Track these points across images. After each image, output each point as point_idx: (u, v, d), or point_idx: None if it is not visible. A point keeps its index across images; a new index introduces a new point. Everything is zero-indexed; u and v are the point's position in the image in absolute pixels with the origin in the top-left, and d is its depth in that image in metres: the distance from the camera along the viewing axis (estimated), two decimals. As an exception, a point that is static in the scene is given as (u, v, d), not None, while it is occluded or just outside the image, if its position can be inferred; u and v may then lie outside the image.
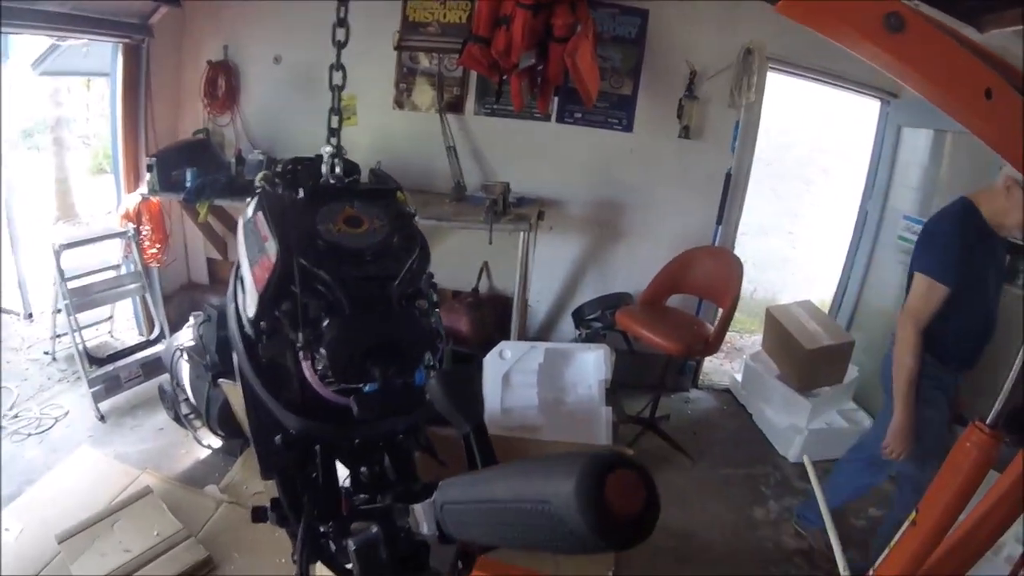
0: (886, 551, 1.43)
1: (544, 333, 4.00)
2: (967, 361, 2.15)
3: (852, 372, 3.40)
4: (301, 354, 0.81)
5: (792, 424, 3.23)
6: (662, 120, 3.50)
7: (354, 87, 3.32)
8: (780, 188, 5.32)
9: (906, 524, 1.36)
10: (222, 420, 2.74)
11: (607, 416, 3.01)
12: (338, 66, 0.93)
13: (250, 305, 0.80)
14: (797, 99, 4.67)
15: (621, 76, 3.42)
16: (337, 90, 0.94)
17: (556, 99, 3.36)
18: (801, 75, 3.61)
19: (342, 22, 0.93)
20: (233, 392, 2.51)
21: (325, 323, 0.78)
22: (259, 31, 3.67)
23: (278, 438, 0.80)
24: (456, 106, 3.45)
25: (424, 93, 3.38)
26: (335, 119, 0.93)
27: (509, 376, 2.95)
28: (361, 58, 2.95)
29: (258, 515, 0.87)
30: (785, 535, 2.69)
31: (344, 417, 0.81)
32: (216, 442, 2.88)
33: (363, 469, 0.87)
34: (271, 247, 0.78)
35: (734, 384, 3.94)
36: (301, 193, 0.85)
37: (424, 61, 3.37)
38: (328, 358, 0.77)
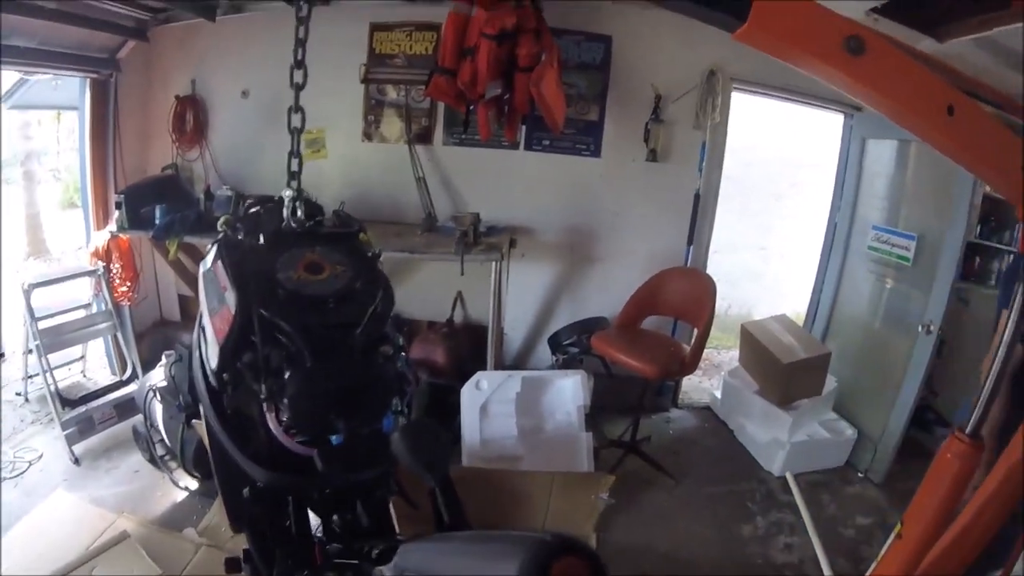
0: (874, 564, 1.43)
1: (521, 361, 3.99)
2: None
3: (830, 383, 3.43)
4: (265, 405, 0.80)
5: (774, 438, 3.25)
6: (629, 144, 3.56)
7: (323, 119, 3.29)
8: (750, 204, 5.42)
9: (892, 536, 1.36)
10: (197, 461, 2.68)
11: (588, 442, 3.00)
12: (296, 108, 0.93)
13: (212, 356, 0.79)
14: (762, 116, 4.77)
15: (587, 102, 3.48)
16: (296, 133, 0.94)
17: (524, 127, 3.40)
18: (764, 93, 3.69)
19: (299, 64, 0.93)
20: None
21: (287, 374, 0.77)
22: (226, 65, 3.68)
23: (246, 491, 0.79)
24: (425, 137, 3.47)
25: (392, 124, 3.40)
26: (295, 162, 0.93)
27: (487, 407, 2.94)
28: (330, 91, 2.98)
29: (232, 566, 0.86)
30: (773, 550, 2.69)
31: (312, 468, 0.80)
32: (193, 484, 2.81)
33: (335, 518, 0.86)
34: (230, 297, 0.77)
35: (714, 401, 3.95)
36: (261, 239, 0.85)
37: (392, 93, 3.40)
38: (290, 411, 0.76)
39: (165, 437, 2.80)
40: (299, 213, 0.92)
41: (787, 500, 3.00)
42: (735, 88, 3.51)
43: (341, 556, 0.82)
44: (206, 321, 0.80)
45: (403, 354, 0.89)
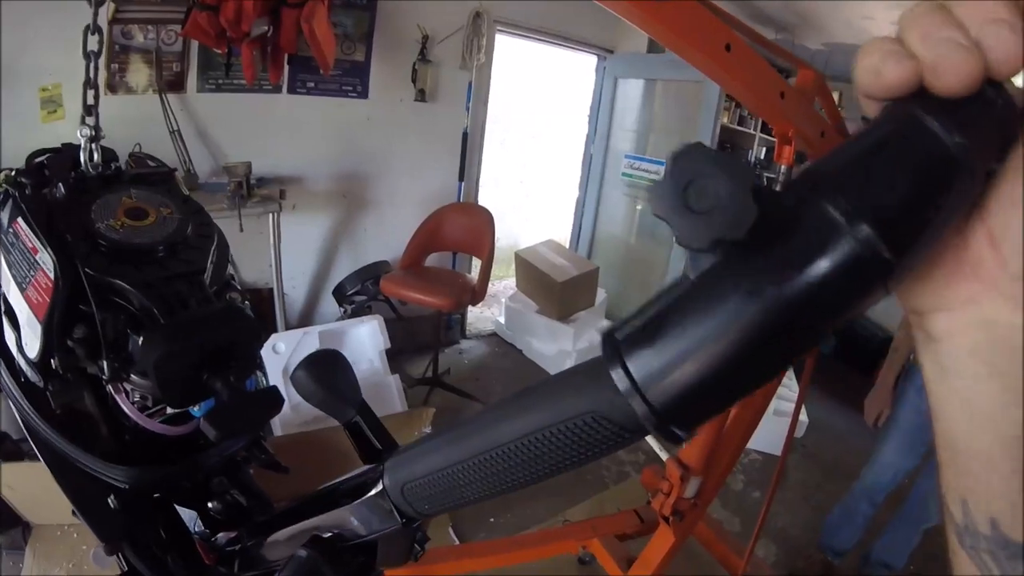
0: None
1: (306, 319, 3.79)
2: None
3: (601, 295, 3.92)
4: (110, 388, 0.67)
5: (560, 349, 3.64)
6: (397, 85, 3.50)
7: (58, 74, 2.66)
8: (509, 141, 5.73)
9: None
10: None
11: (397, 384, 3.02)
12: (93, 28, 0.74)
13: (30, 344, 0.62)
14: (523, 57, 5.01)
15: (353, 42, 3.30)
16: (93, 57, 0.75)
17: (287, 69, 3.10)
18: (526, 36, 3.90)
19: None
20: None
21: (140, 341, 0.63)
22: None
23: (111, 500, 0.65)
24: (177, 84, 2.97)
25: (140, 72, 2.82)
26: (91, 93, 0.74)
27: (289, 369, 2.76)
28: (64, 39, 2.35)
29: None
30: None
31: (180, 450, 0.69)
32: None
33: (212, 504, 0.75)
34: (46, 260, 0.61)
35: (499, 327, 4.24)
36: (61, 189, 0.68)
37: (139, 36, 2.80)
38: (156, 381, 0.62)
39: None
40: (96, 157, 0.75)
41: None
42: (499, 30, 3.66)
43: (230, 544, 0.73)
44: (13, 300, 0.63)
45: (247, 301, 0.79)
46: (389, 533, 0.50)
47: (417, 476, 0.45)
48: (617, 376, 0.25)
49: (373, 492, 0.49)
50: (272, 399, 0.68)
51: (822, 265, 0.21)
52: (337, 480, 0.59)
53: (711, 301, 0.22)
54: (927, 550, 2.31)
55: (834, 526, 2.42)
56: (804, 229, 0.21)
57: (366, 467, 0.55)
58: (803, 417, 3.24)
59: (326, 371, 0.63)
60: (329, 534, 0.56)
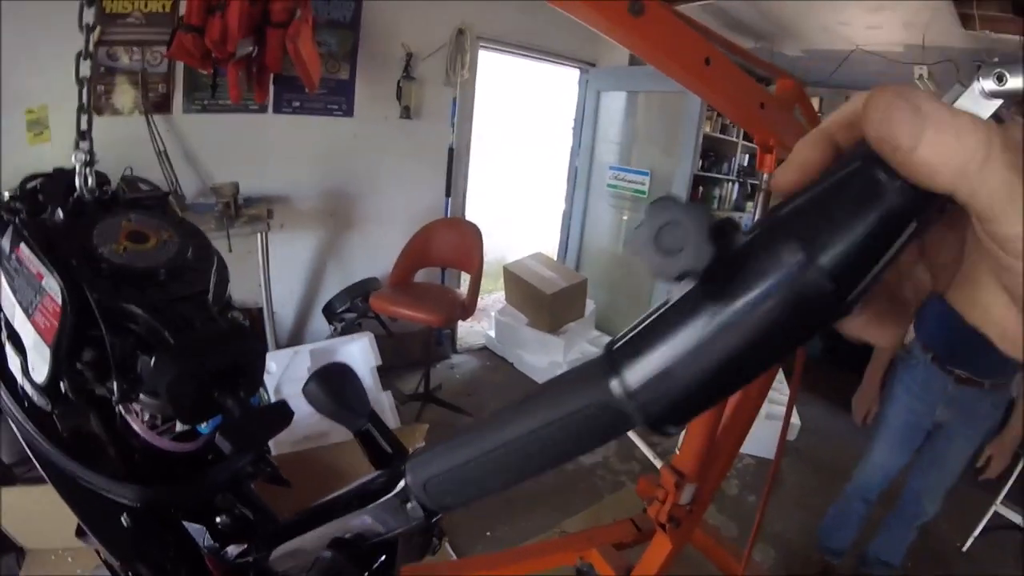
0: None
1: (295, 339, 3.77)
2: (956, 358, 2.03)
3: (590, 306, 3.95)
4: (120, 409, 0.67)
5: (552, 361, 3.65)
6: (382, 102, 3.53)
7: (44, 96, 2.66)
8: (495, 156, 5.78)
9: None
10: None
11: (389, 401, 3.02)
12: (86, 54, 0.75)
13: (38, 368, 0.62)
14: (506, 73, 5.07)
15: (337, 61, 3.33)
16: (85, 83, 0.76)
17: (272, 88, 3.12)
18: (508, 51, 3.96)
19: (91, 2, 0.75)
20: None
21: (151, 362, 0.64)
22: None
23: (124, 518, 0.65)
24: (162, 105, 2.97)
25: (126, 94, 2.82)
26: (84, 119, 0.75)
27: (280, 388, 2.76)
28: (50, 61, 2.36)
29: None
30: (590, 456, 3.00)
31: (188, 466, 0.70)
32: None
33: (220, 518, 0.76)
34: (52, 285, 0.61)
35: (489, 341, 4.25)
36: (60, 214, 0.68)
37: (125, 57, 2.81)
38: (169, 400, 0.64)
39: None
40: (91, 182, 0.76)
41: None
42: (482, 46, 3.71)
43: (239, 557, 0.74)
44: (18, 326, 0.63)
45: (247, 320, 0.80)
46: (411, 528, 0.52)
47: (440, 472, 0.47)
48: (614, 383, 0.30)
49: (394, 492, 0.51)
50: (282, 413, 0.69)
51: (765, 288, 0.25)
52: (349, 487, 0.61)
53: (684, 319, 0.27)
54: (923, 546, 2.34)
55: (830, 527, 2.44)
56: (756, 260, 0.25)
57: (377, 472, 0.56)
58: (794, 420, 3.27)
59: (336, 383, 0.65)
60: (349, 536, 0.57)
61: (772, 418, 2.97)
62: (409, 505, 0.50)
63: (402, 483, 0.50)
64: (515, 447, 0.39)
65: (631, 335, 0.30)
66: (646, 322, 0.30)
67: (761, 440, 2.78)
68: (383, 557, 0.56)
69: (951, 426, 2.10)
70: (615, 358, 0.30)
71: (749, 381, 0.28)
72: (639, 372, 0.29)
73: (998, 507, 2.70)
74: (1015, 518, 2.71)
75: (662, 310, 0.29)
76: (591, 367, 0.33)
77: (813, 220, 0.24)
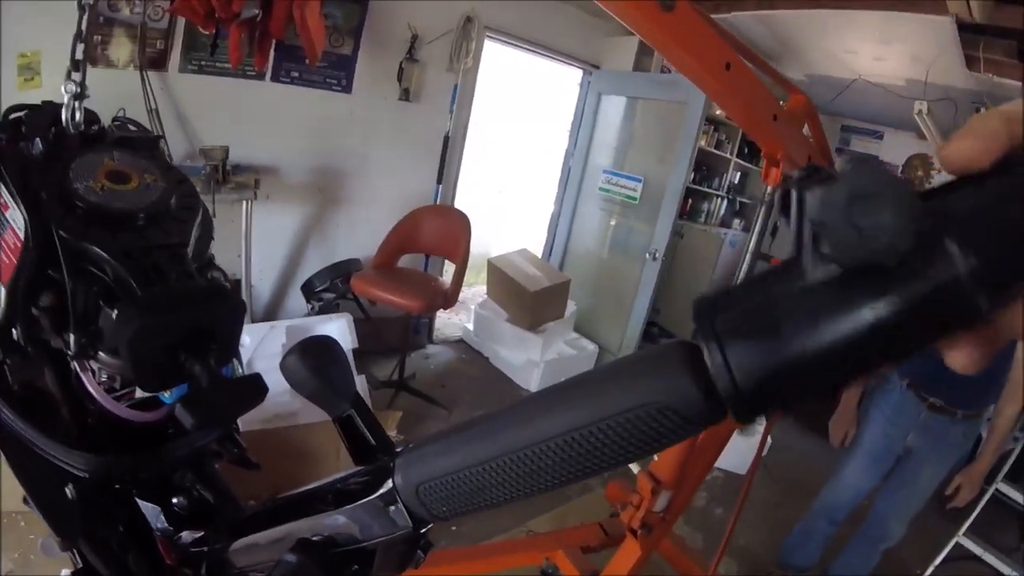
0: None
1: (271, 313, 3.70)
2: (931, 386, 2.05)
3: (571, 307, 3.93)
4: (76, 367, 0.61)
5: (528, 359, 3.62)
6: (382, 82, 3.47)
7: (38, 41, 2.56)
8: (489, 148, 5.72)
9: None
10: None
11: (363, 385, 2.96)
12: None
13: (-8, 306, 0.57)
14: (509, 66, 5.02)
15: (342, 35, 3.25)
16: (87, 8, 0.70)
17: (272, 56, 3.03)
18: (514, 44, 3.92)
19: None
20: None
21: (113, 314, 0.57)
22: None
23: (69, 489, 0.59)
24: (158, 62, 2.87)
25: (122, 47, 2.71)
26: (80, 47, 0.69)
27: (252, 363, 2.68)
28: (47, 6, 2.25)
29: None
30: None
31: (147, 438, 0.64)
32: None
33: (177, 499, 0.70)
34: (16, 218, 0.56)
35: (467, 333, 4.21)
36: (39, 145, 0.63)
37: (126, 9, 2.70)
38: (129, 359, 0.57)
39: None
40: (79, 117, 0.70)
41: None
42: (488, 36, 3.68)
43: (195, 544, 0.67)
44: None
45: (228, 281, 0.74)
46: (393, 538, 0.46)
47: (437, 475, 0.41)
48: (713, 362, 0.26)
49: (379, 493, 0.45)
50: (254, 387, 0.63)
51: (923, 289, 0.21)
52: (324, 481, 0.55)
53: (838, 308, 0.23)
54: (884, 572, 2.35)
55: (794, 544, 2.45)
56: (922, 255, 0.22)
57: (360, 467, 0.51)
58: (765, 438, 3.29)
59: (321, 359, 0.57)
60: (318, 538, 0.51)
61: (743, 433, 2.97)
62: (393, 509, 0.44)
63: (389, 484, 0.44)
64: (541, 452, 0.33)
65: (741, 308, 0.25)
66: (765, 295, 0.25)
67: (730, 455, 2.77)
68: (355, 567, 0.50)
69: (922, 452, 2.12)
70: (718, 334, 0.25)
71: (865, 375, 0.24)
72: (751, 352, 0.24)
73: (960, 538, 2.73)
74: (976, 550, 2.74)
75: (798, 288, 0.24)
76: (644, 358, 0.29)
77: (993, 228, 0.21)
